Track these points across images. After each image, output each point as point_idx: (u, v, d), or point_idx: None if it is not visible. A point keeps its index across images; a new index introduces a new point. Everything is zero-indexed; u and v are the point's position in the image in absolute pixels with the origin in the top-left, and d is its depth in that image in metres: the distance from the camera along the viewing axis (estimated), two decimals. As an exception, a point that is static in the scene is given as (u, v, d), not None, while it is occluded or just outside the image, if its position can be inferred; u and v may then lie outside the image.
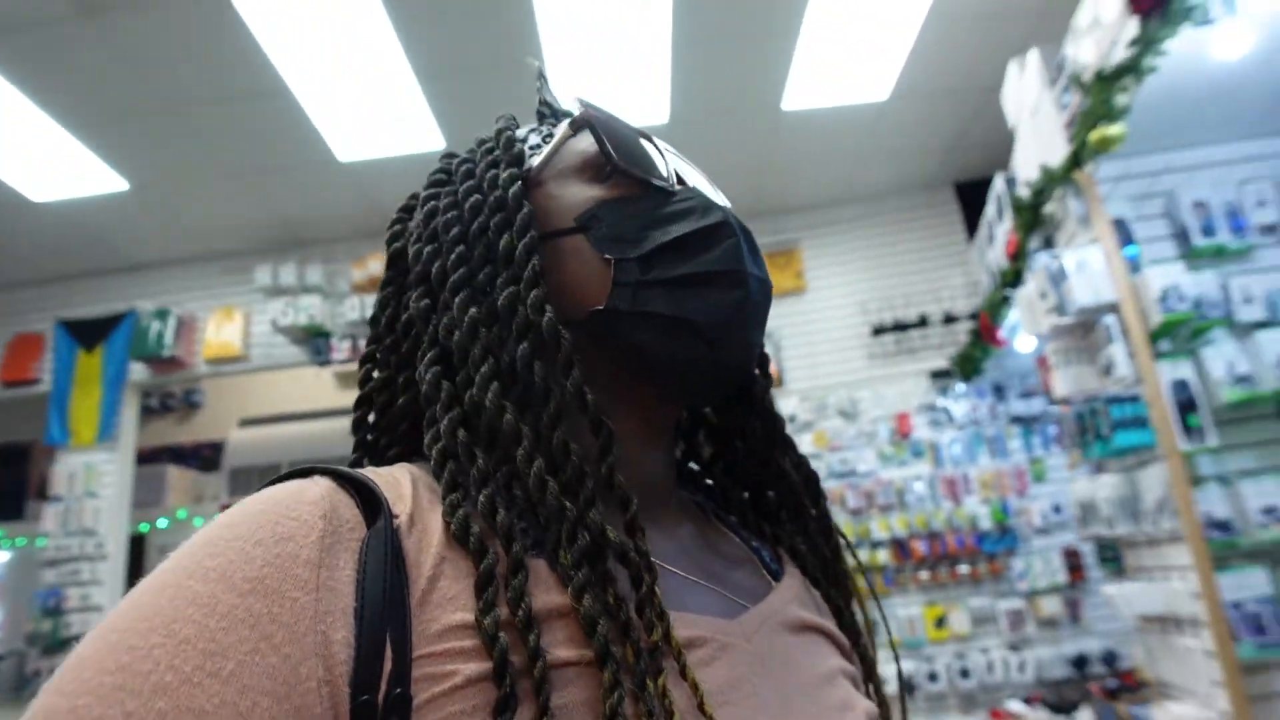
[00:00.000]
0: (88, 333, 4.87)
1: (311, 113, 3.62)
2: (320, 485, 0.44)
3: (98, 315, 4.86)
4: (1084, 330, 2.39)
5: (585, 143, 0.59)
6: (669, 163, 0.59)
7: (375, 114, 3.70)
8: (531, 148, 0.60)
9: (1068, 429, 2.47)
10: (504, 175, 0.56)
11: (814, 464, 4.32)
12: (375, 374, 0.59)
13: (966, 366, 4.08)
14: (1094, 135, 1.88)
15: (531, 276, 0.52)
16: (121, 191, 4.07)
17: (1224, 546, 2.06)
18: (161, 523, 6.14)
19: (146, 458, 6.11)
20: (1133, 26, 1.79)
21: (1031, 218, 2.48)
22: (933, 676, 4.04)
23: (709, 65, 3.61)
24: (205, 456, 6.81)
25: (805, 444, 4.58)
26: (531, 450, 0.48)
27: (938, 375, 4.50)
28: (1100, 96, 1.86)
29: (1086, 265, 2.24)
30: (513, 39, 3.34)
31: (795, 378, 4.73)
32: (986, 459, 4.41)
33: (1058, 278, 2.31)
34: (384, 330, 0.59)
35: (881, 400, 4.57)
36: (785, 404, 4.66)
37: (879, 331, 4.57)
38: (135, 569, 4.93)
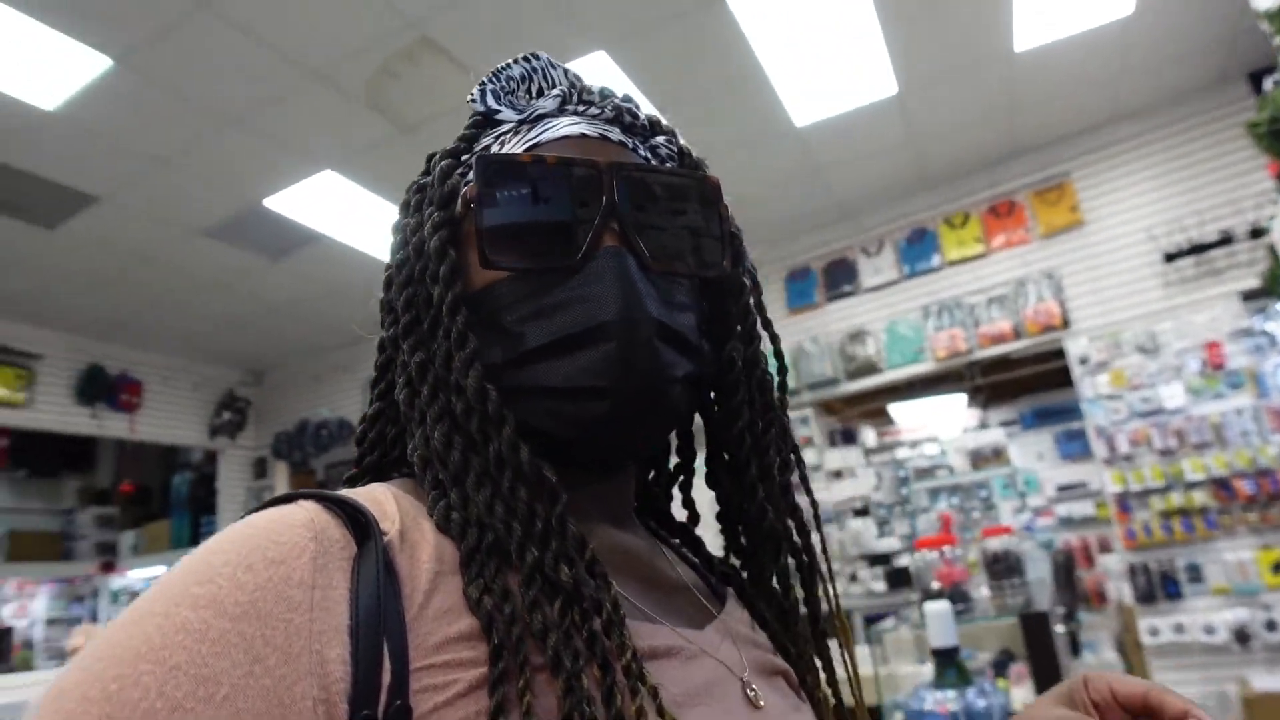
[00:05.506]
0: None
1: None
2: (306, 508, 0.44)
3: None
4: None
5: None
6: (607, 203, 0.52)
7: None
8: (466, 183, 0.55)
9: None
10: (429, 221, 0.54)
11: (1114, 405, 4.17)
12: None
13: (1278, 285, 3.63)
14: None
15: (459, 335, 0.51)
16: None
17: None
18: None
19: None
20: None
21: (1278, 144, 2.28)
22: (1271, 625, 3.71)
23: (924, 30, 3.61)
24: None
25: (1101, 385, 4.36)
26: (479, 483, 0.49)
27: (1251, 296, 4.02)
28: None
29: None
30: (718, 46, 3.63)
31: (1082, 317, 4.50)
32: (1325, 383, 3.88)
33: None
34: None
35: (1186, 330, 4.20)
36: (1074, 345, 4.48)
37: (1172, 257, 4.19)
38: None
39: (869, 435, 6.89)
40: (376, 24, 3.16)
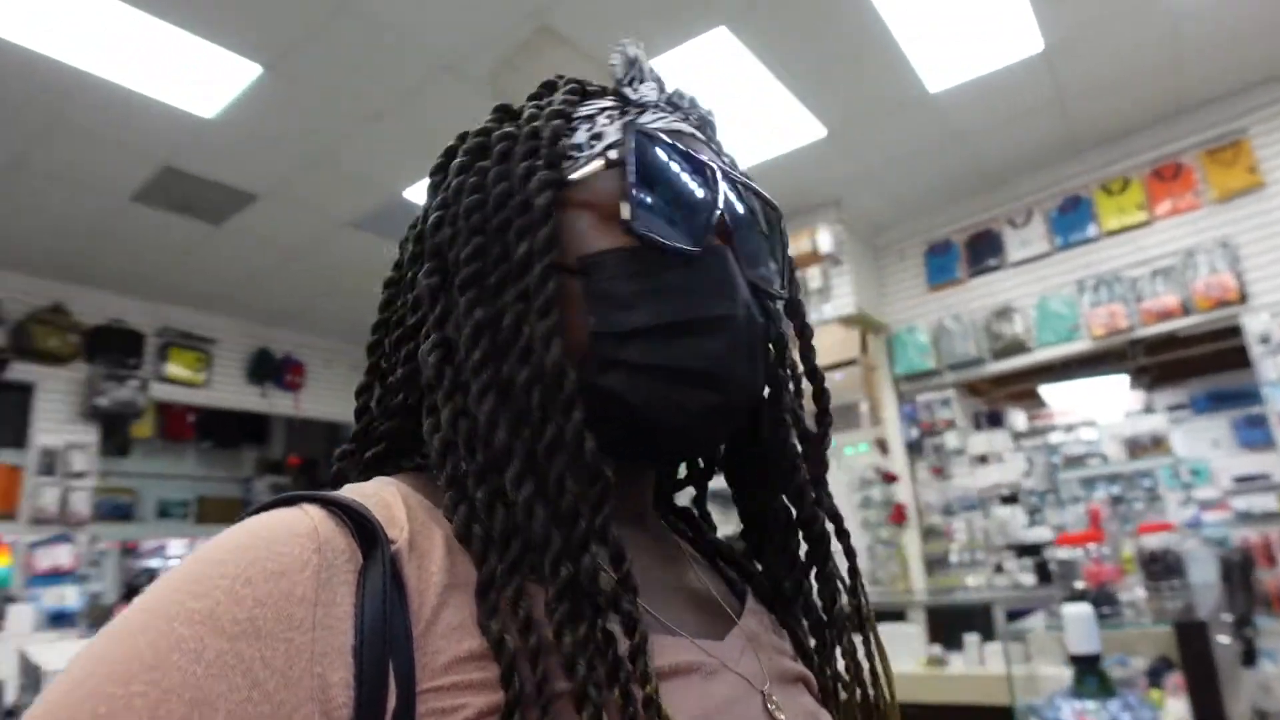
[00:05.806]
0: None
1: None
2: (311, 515, 0.41)
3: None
4: None
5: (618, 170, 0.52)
6: (721, 202, 0.53)
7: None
8: (572, 147, 0.53)
9: None
10: (537, 177, 0.50)
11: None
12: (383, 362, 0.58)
13: None
14: None
15: (544, 304, 0.47)
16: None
17: None
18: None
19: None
20: None
21: None
22: None
23: (1074, -18, 3.32)
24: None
25: (1284, 367, 3.89)
26: (521, 475, 0.45)
27: None
28: None
29: None
30: (843, 13, 3.48)
31: (1262, 290, 4.03)
32: None
33: None
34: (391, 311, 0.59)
35: (1394, 303, 3.68)
36: (1253, 322, 4.02)
37: (1376, 220, 3.67)
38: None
39: (1018, 418, 6.48)
40: (500, 15, 3.23)
